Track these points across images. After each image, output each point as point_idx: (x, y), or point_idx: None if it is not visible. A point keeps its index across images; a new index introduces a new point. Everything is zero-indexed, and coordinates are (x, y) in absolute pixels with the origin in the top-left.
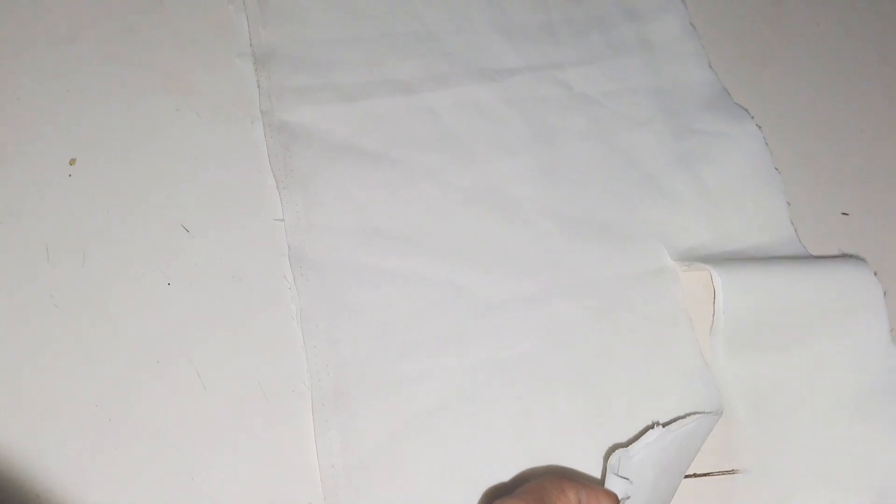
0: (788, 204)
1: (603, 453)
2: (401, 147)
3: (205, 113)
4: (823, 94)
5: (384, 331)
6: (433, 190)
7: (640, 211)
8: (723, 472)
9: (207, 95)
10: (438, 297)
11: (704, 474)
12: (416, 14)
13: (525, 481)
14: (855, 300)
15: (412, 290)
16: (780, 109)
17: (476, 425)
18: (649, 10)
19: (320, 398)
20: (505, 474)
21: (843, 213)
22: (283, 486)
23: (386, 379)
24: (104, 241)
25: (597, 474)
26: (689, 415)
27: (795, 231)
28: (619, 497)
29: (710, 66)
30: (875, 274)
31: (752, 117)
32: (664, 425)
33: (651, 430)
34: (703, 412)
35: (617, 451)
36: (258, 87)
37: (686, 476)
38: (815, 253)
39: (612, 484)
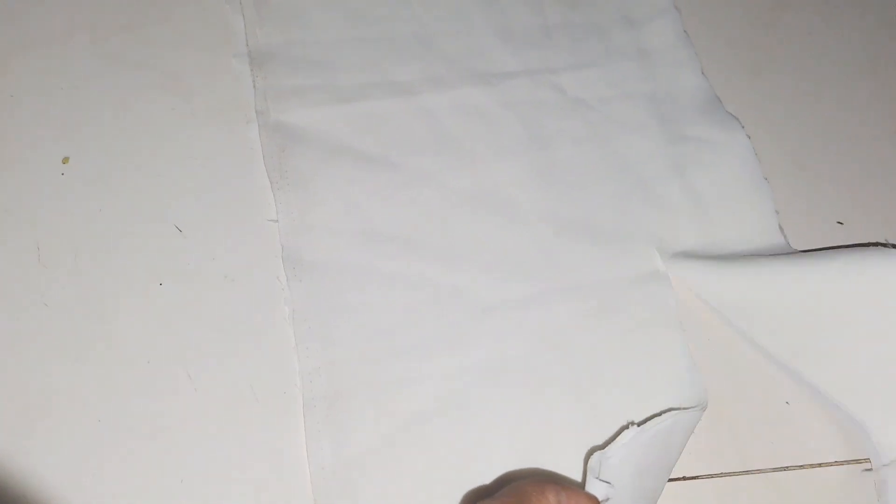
0: (777, 212)
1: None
2: (397, 149)
3: (200, 113)
4: (817, 102)
5: (378, 332)
6: (429, 191)
7: (633, 214)
8: (721, 475)
9: (203, 95)
10: (434, 298)
11: (707, 476)
12: (415, 16)
13: (507, 483)
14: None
15: (407, 292)
16: (773, 117)
17: (469, 428)
18: (644, 16)
19: (311, 400)
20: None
21: (839, 223)
22: (273, 488)
23: (378, 380)
24: (96, 240)
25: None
26: (665, 412)
27: (786, 238)
28: (600, 499)
29: (703, 74)
30: None
31: (743, 126)
32: (639, 424)
33: (626, 430)
34: (681, 408)
35: (596, 452)
36: (254, 87)
37: (686, 478)
38: None
39: (593, 486)
